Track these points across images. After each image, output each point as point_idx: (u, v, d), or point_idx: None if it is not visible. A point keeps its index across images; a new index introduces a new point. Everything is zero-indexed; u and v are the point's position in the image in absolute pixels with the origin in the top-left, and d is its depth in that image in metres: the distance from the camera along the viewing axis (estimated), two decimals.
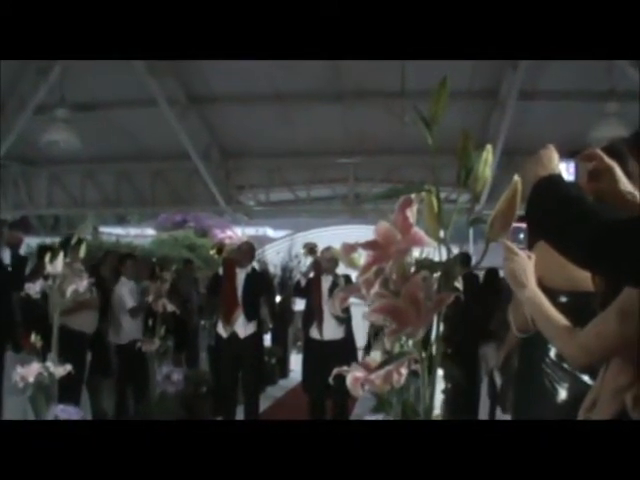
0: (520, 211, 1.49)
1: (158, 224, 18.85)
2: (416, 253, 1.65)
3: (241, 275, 6.64)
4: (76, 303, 5.22)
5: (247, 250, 6.86)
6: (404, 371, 1.68)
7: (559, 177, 1.59)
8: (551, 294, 3.01)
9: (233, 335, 6.53)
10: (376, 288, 1.58)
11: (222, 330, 6.61)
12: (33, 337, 4.65)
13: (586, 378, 2.83)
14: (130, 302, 7.29)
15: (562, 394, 2.91)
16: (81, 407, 6.14)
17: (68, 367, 4.43)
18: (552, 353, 2.98)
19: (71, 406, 4.45)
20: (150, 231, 19.14)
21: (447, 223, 1.54)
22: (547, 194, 1.55)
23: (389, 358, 1.66)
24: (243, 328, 6.57)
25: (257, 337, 6.78)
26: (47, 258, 4.50)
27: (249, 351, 6.57)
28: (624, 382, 2.05)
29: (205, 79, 7.87)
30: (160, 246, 15.25)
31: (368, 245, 1.52)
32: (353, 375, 1.68)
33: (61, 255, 4.46)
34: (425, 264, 1.64)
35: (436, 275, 1.57)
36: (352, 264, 1.63)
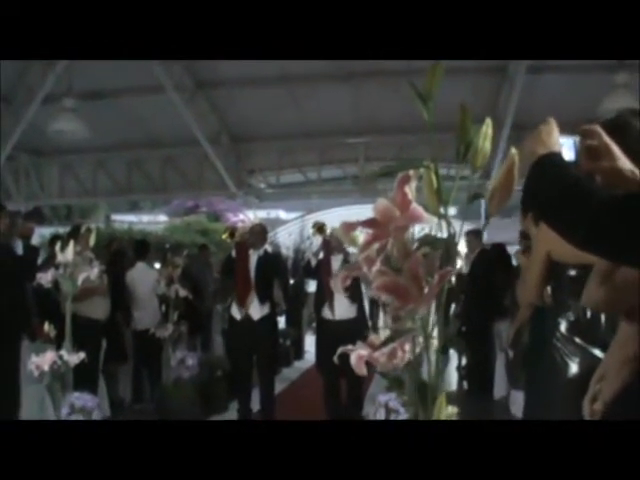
0: (519, 186, 1.48)
1: (171, 210, 18.91)
2: (418, 229, 1.65)
3: (254, 257, 6.62)
4: (85, 290, 5.25)
5: (259, 232, 6.84)
6: (408, 348, 1.68)
7: (557, 156, 1.56)
8: (561, 268, 3.02)
9: (247, 317, 6.53)
10: (377, 266, 1.57)
11: (236, 313, 6.61)
12: (46, 326, 4.69)
13: (597, 351, 2.83)
14: (142, 288, 7.34)
15: (573, 368, 2.90)
16: (98, 394, 6.22)
17: (82, 355, 4.47)
18: (562, 327, 2.98)
19: (86, 393, 4.49)
20: (162, 217, 19.19)
21: (447, 199, 1.53)
22: (544, 173, 1.52)
23: (393, 335, 1.65)
24: (257, 310, 6.56)
25: (271, 319, 6.77)
26: (57, 247, 4.52)
27: (263, 333, 6.56)
28: (631, 353, 2.05)
29: (211, 64, 7.85)
30: (173, 232, 15.29)
31: (367, 223, 1.52)
32: (357, 353, 1.67)
33: (71, 244, 4.48)
34: (426, 241, 1.64)
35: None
36: (353, 242, 1.62)
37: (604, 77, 7.05)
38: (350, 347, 1.73)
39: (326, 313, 6.52)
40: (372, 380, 7.39)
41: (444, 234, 1.55)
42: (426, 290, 1.52)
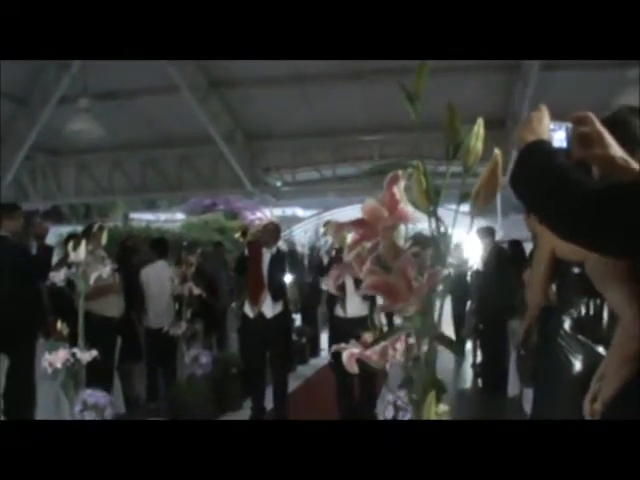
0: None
1: (188, 208, 18.98)
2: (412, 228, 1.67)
3: (267, 256, 6.64)
4: (99, 288, 5.30)
5: (272, 230, 6.85)
6: (400, 346, 1.69)
7: (545, 143, 1.55)
8: (565, 265, 3.01)
9: (260, 315, 6.55)
10: (368, 265, 1.59)
11: (249, 311, 6.64)
12: (59, 324, 4.74)
13: (600, 349, 2.82)
14: (156, 286, 7.39)
15: (577, 366, 2.90)
16: (114, 392, 6.28)
17: (94, 353, 4.50)
18: (567, 325, 2.97)
19: (98, 391, 4.53)
20: (180, 215, 19.26)
21: (436, 198, 1.54)
22: (531, 161, 1.51)
23: (384, 334, 1.66)
24: (270, 308, 6.58)
25: (284, 317, 6.79)
26: (70, 246, 4.57)
27: (276, 331, 6.58)
28: (630, 352, 2.04)
29: (225, 63, 7.88)
30: (190, 230, 15.35)
31: (356, 223, 1.54)
32: (349, 351, 1.69)
33: (83, 243, 4.52)
34: (417, 240, 1.65)
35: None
36: (343, 242, 1.64)
37: (617, 73, 7.00)
38: (343, 345, 1.76)
39: (338, 311, 6.53)
40: (386, 377, 7.39)
41: (436, 233, 1.56)
42: (415, 289, 1.53)
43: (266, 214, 17.61)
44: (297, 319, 11.32)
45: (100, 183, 10.66)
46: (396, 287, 1.53)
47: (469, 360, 9.66)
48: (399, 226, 1.54)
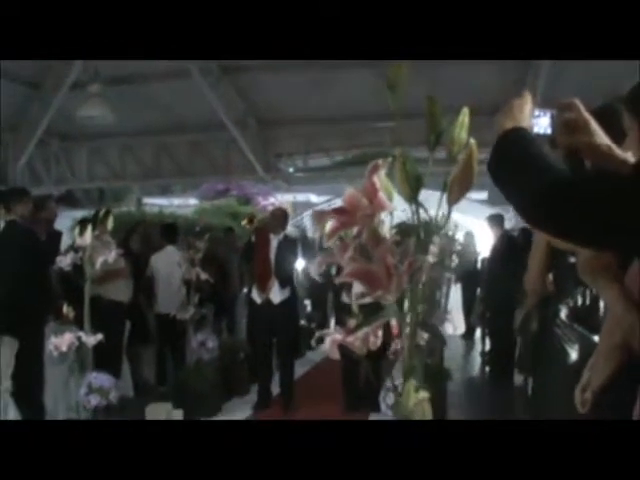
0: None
1: (201, 194, 18.99)
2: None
3: (274, 242, 6.68)
4: (107, 272, 5.35)
5: (280, 216, 6.89)
6: (380, 333, 1.71)
7: (523, 130, 1.52)
8: (562, 255, 3.02)
9: (267, 301, 6.60)
10: (350, 253, 1.61)
11: (256, 297, 6.69)
12: (65, 308, 4.80)
13: (596, 338, 2.83)
14: (165, 271, 7.44)
15: (572, 354, 2.91)
16: (123, 376, 6.35)
17: (99, 336, 4.56)
18: (563, 314, 2.99)
19: (103, 374, 4.58)
20: (193, 201, 19.26)
21: (418, 186, 1.56)
22: (507, 148, 1.49)
23: (365, 320, 1.68)
24: (277, 294, 6.63)
25: (291, 302, 6.83)
26: (76, 231, 4.62)
27: (283, 316, 6.63)
28: (618, 340, 2.05)
29: None
30: (202, 215, 15.37)
31: (337, 211, 1.56)
32: (332, 337, 1.72)
33: (89, 228, 4.57)
34: (400, 228, 1.67)
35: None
36: (325, 230, 1.65)
37: (630, 62, 6.92)
38: (326, 331, 1.78)
39: (344, 297, 6.56)
40: (394, 364, 7.41)
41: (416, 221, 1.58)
42: (394, 277, 1.55)
43: (278, 199, 17.66)
44: (307, 305, 11.37)
45: (113, 168, 10.71)
46: (376, 275, 1.55)
47: (478, 348, 9.67)
48: (379, 215, 1.55)
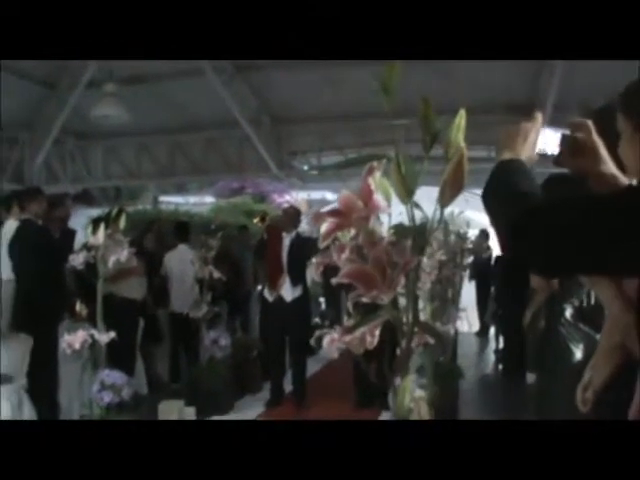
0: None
1: (216, 191, 19.02)
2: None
3: (286, 240, 6.70)
4: (120, 271, 5.40)
5: (292, 214, 6.91)
6: (377, 333, 1.73)
7: (518, 163, 1.50)
8: None
9: (279, 299, 6.63)
10: (346, 254, 1.63)
11: (268, 294, 6.72)
12: (78, 306, 4.84)
13: (599, 337, 2.83)
14: (179, 270, 7.48)
15: (577, 353, 2.91)
16: (137, 373, 6.40)
17: (112, 334, 4.60)
18: (568, 313, 2.99)
19: (116, 371, 4.62)
20: (209, 199, 19.31)
21: (413, 188, 1.58)
22: (499, 180, 1.49)
23: (362, 320, 1.70)
24: (289, 292, 6.66)
25: (303, 300, 6.85)
26: (89, 230, 4.66)
27: (295, 314, 6.65)
28: (618, 340, 2.06)
29: None
30: (217, 213, 15.42)
31: (332, 213, 1.58)
32: (330, 337, 1.74)
33: (102, 227, 4.61)
34: (397, 229, 1.69)
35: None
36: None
37: None
38: (325, 330, 1.80)
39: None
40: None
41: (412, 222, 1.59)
42: (389, 277, 1.57)
43: (294, 197, 17.67)
44: (322, 303, 11.38)
45: (128, 167, 10.78)
46: (372, 276, 1.57)
47: (492, 345, 9.66)
48: (374, 217, 1.57)
